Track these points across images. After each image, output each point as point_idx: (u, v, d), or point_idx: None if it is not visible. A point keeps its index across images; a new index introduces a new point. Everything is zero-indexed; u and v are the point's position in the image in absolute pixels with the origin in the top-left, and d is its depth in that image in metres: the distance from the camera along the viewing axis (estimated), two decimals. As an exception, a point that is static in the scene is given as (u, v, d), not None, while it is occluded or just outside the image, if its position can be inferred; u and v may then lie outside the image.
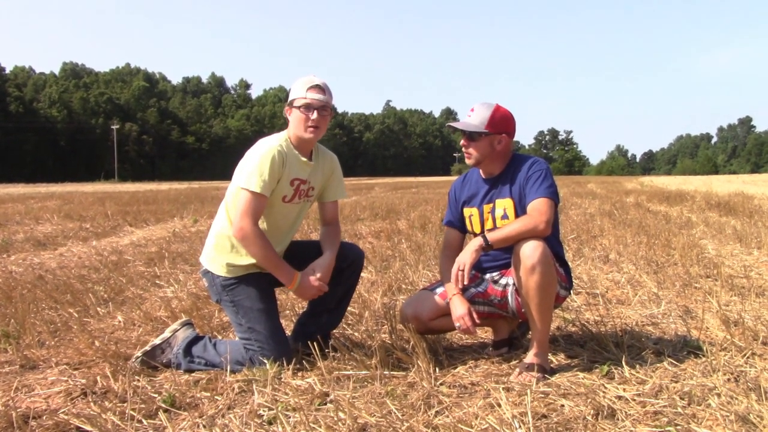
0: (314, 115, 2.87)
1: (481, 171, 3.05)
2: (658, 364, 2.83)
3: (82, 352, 3.13)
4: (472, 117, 2.93)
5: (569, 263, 3.27)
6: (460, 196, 3.14)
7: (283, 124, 3.02)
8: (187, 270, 5.71)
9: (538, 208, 2.77)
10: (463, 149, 2.99)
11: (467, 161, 3.01)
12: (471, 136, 2.93)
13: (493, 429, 2.17)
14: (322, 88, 2.88)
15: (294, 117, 2.91)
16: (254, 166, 2.81)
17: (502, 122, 2.93)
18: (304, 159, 2.97)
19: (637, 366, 2.81)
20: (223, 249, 2.98)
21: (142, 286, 4.96)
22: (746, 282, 4.71)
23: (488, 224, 2.99)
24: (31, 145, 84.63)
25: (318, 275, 2.91)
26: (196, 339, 3.01)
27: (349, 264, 3.11)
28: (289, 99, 2.93)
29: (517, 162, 2.98)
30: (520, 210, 2.89)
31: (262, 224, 2.94)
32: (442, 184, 33.46)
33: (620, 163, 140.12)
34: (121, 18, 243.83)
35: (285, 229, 3.06)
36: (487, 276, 3.04)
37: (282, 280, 2.90)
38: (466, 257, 2.71)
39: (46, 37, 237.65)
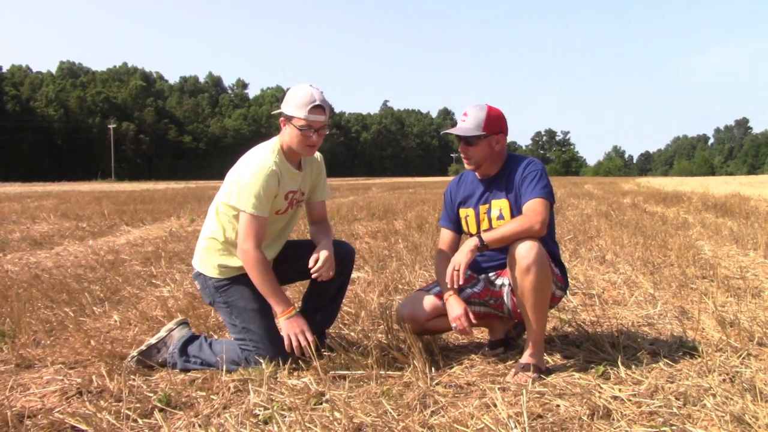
0: (314, 137, 2.87)
1: (476, 172, 3.05)
2: (654, 365, 2.84)
3: (77, 352, 3.13)
4: (467, 121, 2.93)
5: (565, 263, 3.27)
6: (456, 197, 3.14)
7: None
8: (184, 269, 5.70)
9: (533, 208, 2.78)
10: (462, 155, 2.99)
11: (467, 166, 3.01)
12: (469, 141, 2.93)
13: (488, 429, 2.18)
14: (323, 108, 2.85)
15: (291, 132, 2.87)
16: (251, 188, 2.80)
17: (496, 122, 2.93)
18: (295, 170, 2.97)
19: (633, 366, 2.81)
20: (214, 251, 2.99)
21: (138, 286, 4.95)
22: (742, 283, 4.71)
23: (484, 225, 2.99)
24: (28, 144, 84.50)
25: (322, 258, 2.87)
26: (192, 338, 3.00)
27: (340, 261, 3.10)
28: (288, 112, 2.86)
29: (513, 162, 2.98)
30: (515, 210, 2.89)
31: None
32: (440, 185, 33.49)
33: (617, 164, 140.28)
34: (118, 17, 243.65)
35: (275, 235, 3.06)
36: (483, 276, 3.05)
37: (276, 308, 2.87)
38: (461, 257, 2.71)
39: (43, 36, 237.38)
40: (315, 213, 3.18)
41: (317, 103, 2.83)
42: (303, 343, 2.82)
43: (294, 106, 2.84)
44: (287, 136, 2.91)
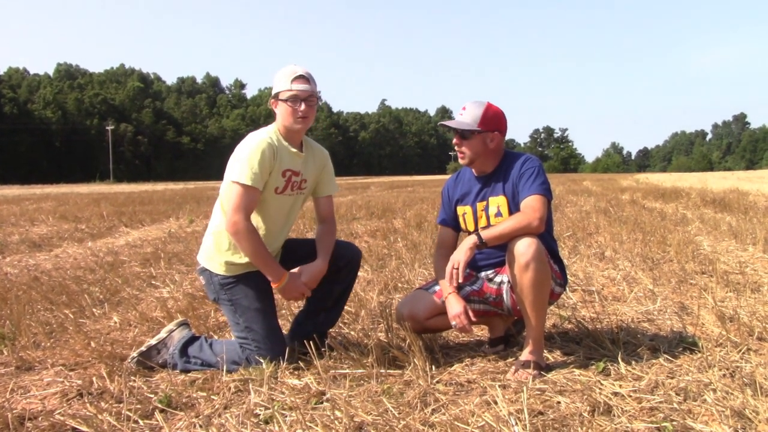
0: (302, 107, 2.86)
1: (473, 169, 3.06)
2: (654, 361, 2.84)
3: (77, 353, 3.12)
4: (464, 115, 2.94)
5: (564, 260, 3.27)
6: (454, 195, 3.14)
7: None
8: (183, 270, 5.70)
9: (531, 205, 2.78)
10: (456, 148, 2.99)
11: (461, 161, 3.01)
12: (464, 135, 2.94)
13: (489, 426, 2.18)
14: (306, 78, 2.87)
15: (281, 109, 2.90)
16: (245, 159, 2.81)
17: (494, 120, 2.93)
18: (295, 150, 2.97)
19: (633, 362, 2.81)
20: (221, 247, 2.98)
21: (137, 287, 4.95)
22: (741, 278, 4.72)
23: (482, 222, 3.00)
24: (26, 146, 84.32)
25: (304, 280, 2.92)
26: (192, 339, 3.00)
27: (346, 263, 3.11)
28: (274, 92, 2.92)
29: (510, 159, 2.98)
30: (513, 207, 2.89)
31: (258, 219, 2.94)
32: (438, 183, 33.48)
33: (615, 161, 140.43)
34: (115, 18, 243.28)
35: (280, 224, 3.05)
36: (482, 274, 3.05)
37: (269, 277, 2.90)
38: (460, 255, 2.71)
39: (40, 38, 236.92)
40: (322, 209, 3.18)
41: (300, 73, 2.86)
42: (307, 295, 2.95)
43: (278, 81, 2.89)
44: (279, 116, 2.93)
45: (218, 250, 2.99)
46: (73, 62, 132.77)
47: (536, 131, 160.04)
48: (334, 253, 3.05)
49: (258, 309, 2.91)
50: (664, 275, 4.88)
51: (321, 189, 3.17)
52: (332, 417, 2.28)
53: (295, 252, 3.12)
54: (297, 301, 2.99)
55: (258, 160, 2.80)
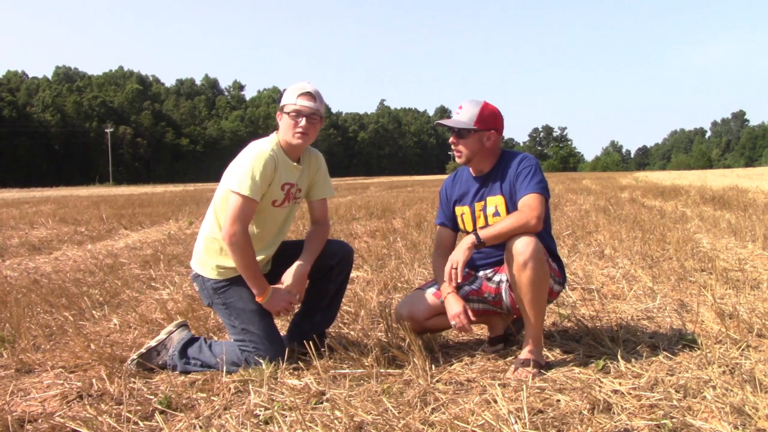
0: (303, 122, 2.87)
1: (471, 169, 3.06)
2: (654, 358, 2.85)
3: (77, 356, 3.13)
4: (461, 114, 2.94)
5: (564, 259, 3.27)
6: (452, 195, 3.14)
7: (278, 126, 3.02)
8: (183, 272, 5.70)
9: (528, 203, 2.78)
10: (453, 147, 2.99)
11: (457, 160, 3.02)
12: (460, 134, 2.94)
13: (489, 425, 2.18)
14: (312, 95, 2.88)
15: (283, 122, 2.91)
16: (246, 170, 2.81)
17: (490, 118, 2.94)
18: (294, 163, 2.97)
19: (633, 360, 2.82)
20: (212, 252, 2.98)
21: (137, 289, 4.95)
22: (741, 275, 4.72)
23: (480, 222, 3.00)
24: (25, 149, 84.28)
25: (287, 285, 2.93)
26: (192, 340, 3.01)
27: (338, 261, 3.11)
28: (281, 104, 2.94)
29: (507, 159, 2.98)
30: (511, 206, 2.90)
31: (252, 228, 2.94)
32: (438, 183, 33.47)
33: (615, 159, 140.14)
34: (113, 21, 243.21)
35: (275, 232, 3.06)
36: (481, 273, 3.05)
37: (254, 291, 2.91)
38: (458, 255, 2.71)
39: (39, 41, 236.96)
40: (316, 212, 3.18)
41: (307, 90, 2.88)
42: (294, 303, 2.97)
43: (286, 95, 2.92)
44: (281, 129, 2.94)
45: (209, 255, 3.00)
46: (72, 65, 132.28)
47: (535, 130, 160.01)
48: (325, 252, 3.06)
49: (253, 310, 2.92)
50: (663, 273, 4.88)
51: (315, 192, 3.16)
52: (332, 417, 2.28)
53: (289, 254, 3.11)
54: (286, 314, 2.99)
55: (259, 171, 2.81)
